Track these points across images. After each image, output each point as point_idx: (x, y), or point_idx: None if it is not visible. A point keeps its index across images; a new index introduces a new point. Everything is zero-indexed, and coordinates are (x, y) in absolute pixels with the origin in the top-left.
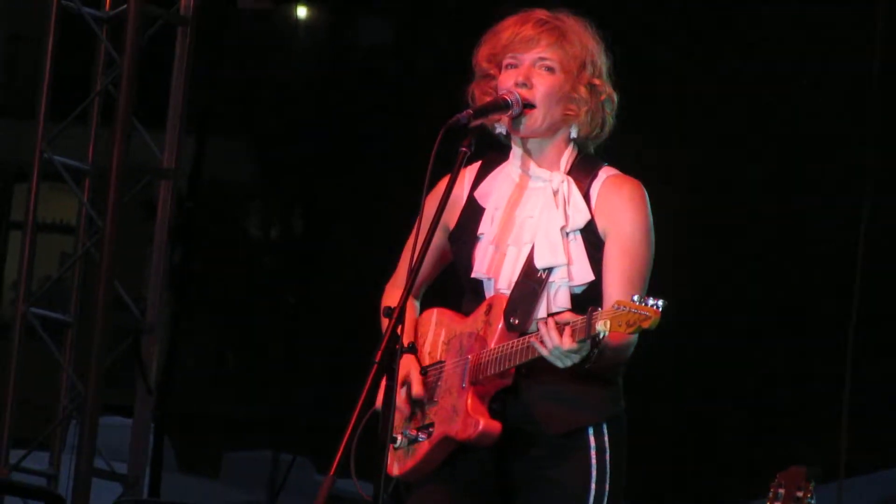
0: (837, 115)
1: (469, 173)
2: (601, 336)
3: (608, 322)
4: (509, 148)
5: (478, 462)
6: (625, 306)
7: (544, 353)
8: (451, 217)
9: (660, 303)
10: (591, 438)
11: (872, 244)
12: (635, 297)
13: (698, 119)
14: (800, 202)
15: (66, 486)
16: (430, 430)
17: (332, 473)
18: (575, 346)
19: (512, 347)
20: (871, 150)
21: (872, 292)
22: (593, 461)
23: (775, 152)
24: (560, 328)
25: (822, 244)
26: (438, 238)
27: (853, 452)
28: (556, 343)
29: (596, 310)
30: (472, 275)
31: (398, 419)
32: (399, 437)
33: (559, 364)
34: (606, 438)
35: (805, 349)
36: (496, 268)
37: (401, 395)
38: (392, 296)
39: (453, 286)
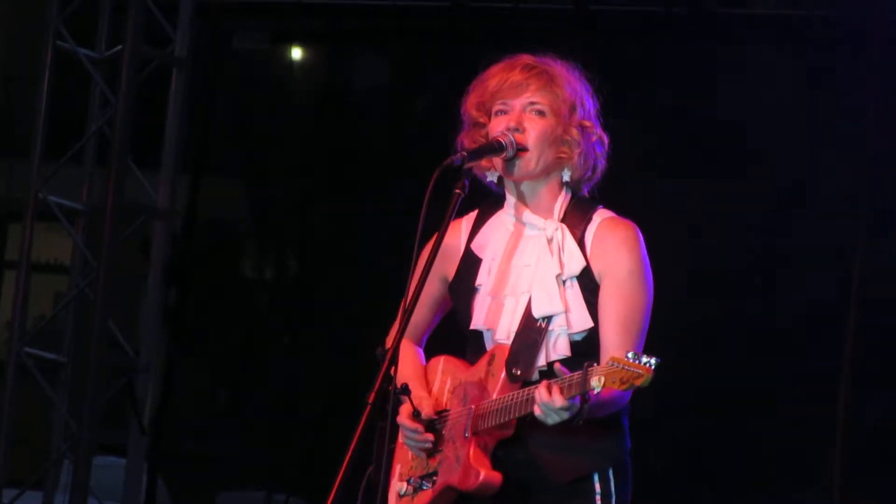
0: (834, 162)
1: (466, 224)
2: (596, 392)
3: (603, 378)
4: (503, 196)
5: None
6: (619, 363)
7: (536, 411)
8: (451, 268)
9: (653, 361)
10: (597, 485)
11: (866, 288)
12: (630, 354)
13: (693, 159)
14: (795, 245)
15: None
16: (434, 478)
17: None
18: (565, 403)
19: (511, 400)
20: (865, 187)
21: (866, 336)
22: None
23: (771, 191)
24: (549, 386)
25: (816, 288)
26: (437, 289)
27: (847, 491)
28: (545, 400)
29: (592, 365)
30: (472, 326)
31: (405, 466)
32: (405, 485)
33: (548, 421)
34: (612, 484)
35: (798, 395)
36: (494, 319)
37: (409, 442)
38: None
39: (457, 333)
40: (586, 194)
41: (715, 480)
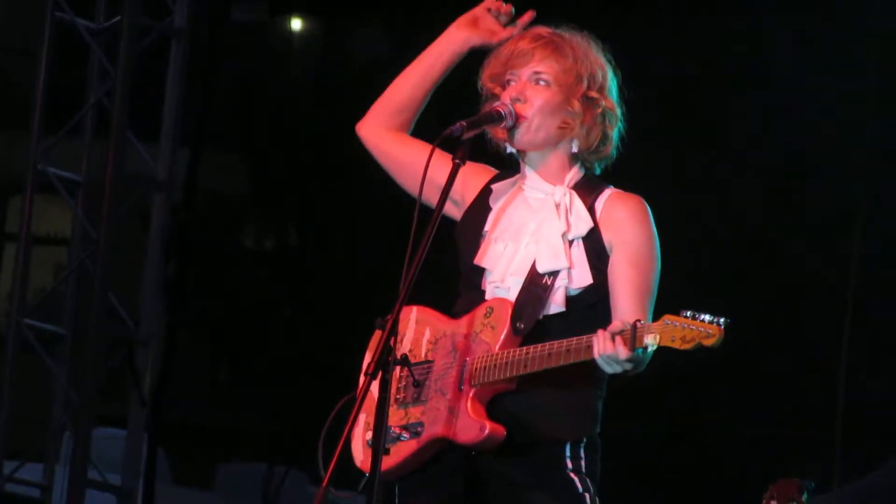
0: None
1: (488, 173)
2: (650, 349)
3: (658, 336)
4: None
5: (455, 468)
6: (676, 321)
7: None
8: (461, 189)
9: (722, 320)
10: (569, 461)
11: (866, 257)
12: (687, 313)
13: (692, 129)
14: (794, 217)
15: (59, 497)
16: (419, 429)
17: (325, 485)
18: (630, 354)
19: (542, 351)
20: (865, 166)
21: (866, 303)
22: (574, 478)
23: (772, 167)
24: (613, 338)
25: (817, 255)
26: (436, 190)
27: (847, 464)
28: (609, 352)
29: (642, 323)
30: (475, 261)
31: (373, 416)
32: (372, 434)
33: (608, 369)
34: (583, 458)
35: (799, 360)
36: (491, 260)
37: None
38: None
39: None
40: (598, 172)
41: (709, 447)
